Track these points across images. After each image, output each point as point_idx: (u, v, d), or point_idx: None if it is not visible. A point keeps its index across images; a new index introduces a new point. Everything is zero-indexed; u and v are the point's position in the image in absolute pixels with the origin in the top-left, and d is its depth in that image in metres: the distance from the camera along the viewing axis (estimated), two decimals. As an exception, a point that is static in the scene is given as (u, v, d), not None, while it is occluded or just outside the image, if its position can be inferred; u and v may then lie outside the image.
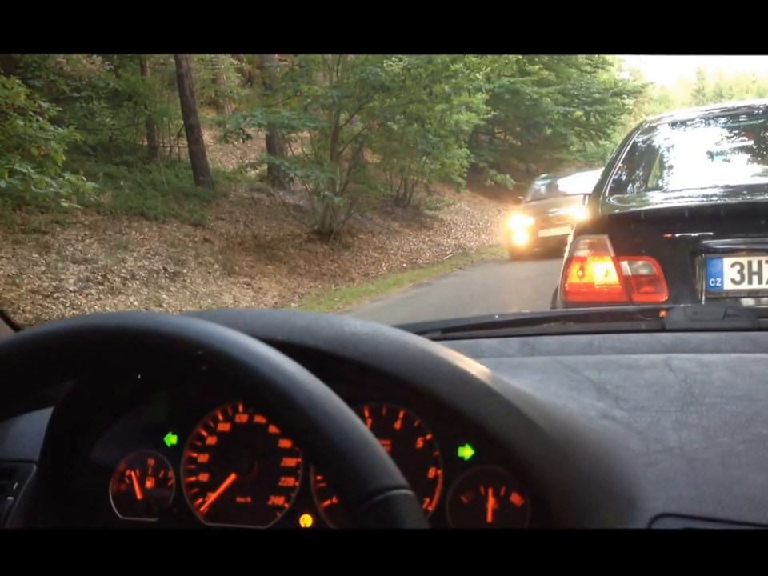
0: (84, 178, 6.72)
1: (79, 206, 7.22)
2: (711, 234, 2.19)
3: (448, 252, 14.10)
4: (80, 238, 8.35)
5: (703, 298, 2.19)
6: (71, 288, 7.30)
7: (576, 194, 10.70)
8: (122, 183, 9.80)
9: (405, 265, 12.42)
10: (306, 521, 0.74)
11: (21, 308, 6.56)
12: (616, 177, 2.89)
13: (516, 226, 12.02)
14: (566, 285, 2.49)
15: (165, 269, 8.58)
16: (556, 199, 12.15)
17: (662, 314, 1.09)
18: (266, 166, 12.63)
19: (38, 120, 6.38)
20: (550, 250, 10.25)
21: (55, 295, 7.07)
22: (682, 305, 1.13)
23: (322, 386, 0.48)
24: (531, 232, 11.74)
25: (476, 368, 0.64)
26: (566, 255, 2.53)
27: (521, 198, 13.53)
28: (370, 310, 8.16)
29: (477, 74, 12.19)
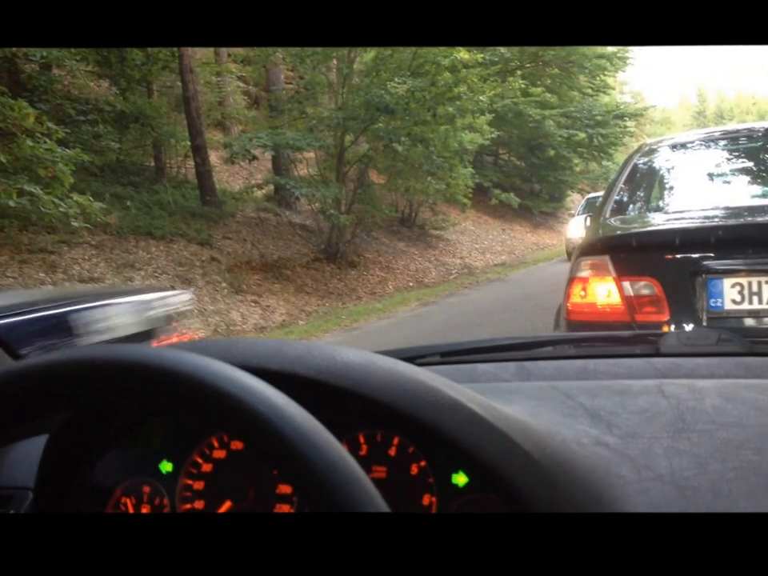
0: (91, 199, 6.79)
1: (87, 225, 7.28)
2: (711, 254, 2.20)
3: (454, 271, 14.11)
4: (87, 257, 8.39)
5: (704, 317, 2.19)
6: (77, 308, 7.32)
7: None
8: (128, 203, 9.87)
9: (411, 284, 12.43)
10: None
11: (27, 328, 6.58)
12: (617, 198, 2.90)
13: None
14: (568, 305, 2.49)
15: (172, 287, 8.61)
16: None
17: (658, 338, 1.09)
18: (273, 187, 12.72)
19: (45, 142, 6.45)
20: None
21: (61, 315, 7.09)
22: (675, 330, 1.13)
23: (308, 416, 0.48)
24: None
25: (467, 395, 0.65)
26: (568, 276, 2.54)
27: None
28: (377, 328, 8.17)
29: (481, 97, 12.24)
